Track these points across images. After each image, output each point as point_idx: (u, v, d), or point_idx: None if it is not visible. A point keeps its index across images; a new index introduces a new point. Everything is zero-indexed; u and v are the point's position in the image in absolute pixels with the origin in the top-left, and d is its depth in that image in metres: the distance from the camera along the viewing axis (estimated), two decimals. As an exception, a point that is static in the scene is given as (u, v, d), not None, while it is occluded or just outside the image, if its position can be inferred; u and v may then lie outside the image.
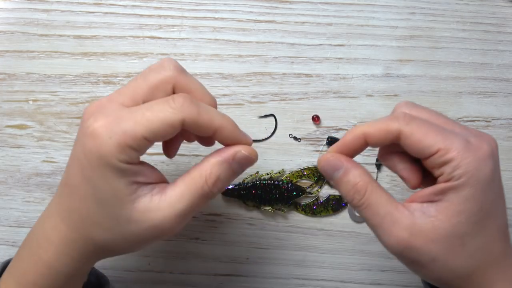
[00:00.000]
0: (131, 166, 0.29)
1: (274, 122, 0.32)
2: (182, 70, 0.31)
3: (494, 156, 0.30)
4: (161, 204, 0.30)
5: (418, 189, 0.31)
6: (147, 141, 0.28)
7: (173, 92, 0.31)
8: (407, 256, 0.30)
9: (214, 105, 0.32)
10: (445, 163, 0.29)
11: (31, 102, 0.46)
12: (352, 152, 0.32)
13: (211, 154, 0.32)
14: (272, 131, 0.32)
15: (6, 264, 0.35)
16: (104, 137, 0.28)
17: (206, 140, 0.35)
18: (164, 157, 0.36)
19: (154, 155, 0.44)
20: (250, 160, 0.32)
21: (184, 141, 0.36)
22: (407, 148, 0.30)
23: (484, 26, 0.46)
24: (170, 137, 0.29)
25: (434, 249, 0.29)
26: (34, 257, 0.32)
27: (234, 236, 0.45)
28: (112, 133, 0.27)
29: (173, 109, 0.28)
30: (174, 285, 0.45)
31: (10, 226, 0.45)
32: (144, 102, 0.30)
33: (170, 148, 0.36)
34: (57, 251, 0.31)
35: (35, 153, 0.45)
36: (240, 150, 0.31)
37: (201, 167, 0.31)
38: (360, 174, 0.30)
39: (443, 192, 0.29)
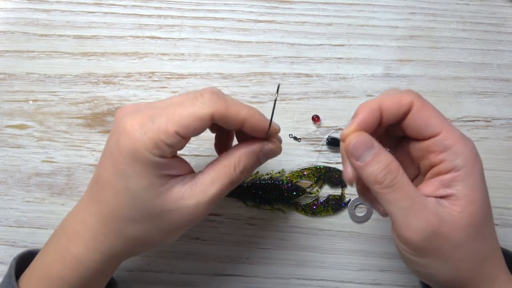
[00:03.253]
0: (165, 160, 0.30)
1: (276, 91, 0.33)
2: (224, 99, 0.31)
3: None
4: (193, 191, 0.31)
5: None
6: (180, 136, 0.29)
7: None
8: (431, 243, 0.29)
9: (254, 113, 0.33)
10: (446, 149, 0.29)
11: (31, 102, 0.46)
12: (370, 129, 0.31)
13: (240, 144, 0.34)
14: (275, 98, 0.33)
15: (22, 257, 0.36)
16: (138, 133, 0.29)
17: (241, 135, 0.36)
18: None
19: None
20: (276, 153, 0.34)
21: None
22: (412, 122, 0.30)
23: (484, 26, 0.46)
24: (202, 132, 0.31)
25: (458, 237, 0.29)
26: (61, 250, 0.33)
27: (234, 236, 0.45)
28: (146, 129, 0.29)
29: (203, 104, 0.30)
30: (174, 285, 0.45)
31: (10, 226, 0.45)
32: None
33: (221, 149, 0.37)
34: (87, 246, 0.32)
35: (35, 153, 0.45)
36: (268, 143, 0.34)
37: (231, 155, 0.33)
38: (391, 155, 0.30)
39: (450, 183, 0.30)
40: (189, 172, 0.33)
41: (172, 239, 0.34)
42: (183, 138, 0.30)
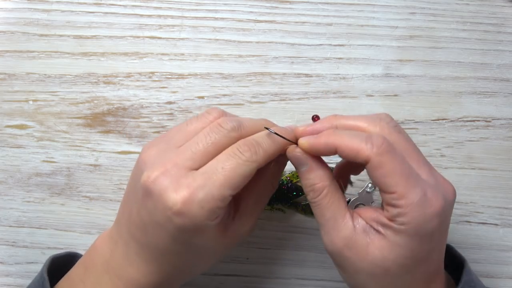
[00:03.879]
0: (220, 215, 0.31)
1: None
2: (241, 124, 0.32)
3: (444, 212, 0.30)
4: (244, 220, 0.34)
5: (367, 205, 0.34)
6: (232, 196, 0.30)
7: None
8: (336, 260, 0.33)
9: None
10: (394, 206, 0.29)
11: (31, 102, 0.46)
12: (320, 155, 0.33)
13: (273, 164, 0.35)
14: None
15: (57, 259, 0.37)
16: (195, 210, 0.29)
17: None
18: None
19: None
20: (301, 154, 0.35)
21: None
22: (368, 173, 0.30)
23: (484, 26, 0.46)
24: None
25: (360, 266, 0.31)
26: None
27: (234, 236, 0.45)
28: (202, 203, 0.29)
29: (246, 161, 0.30)
30: (174, 285, 0.45)
31: (10, 226, 0.45)
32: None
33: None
34: None
35: (35, 153, 0.45)
36: (294, 149, 0.34)
37: (266, 174, 0.35)
38: (321, 176, 0.32)
39: (384, 226, 0.30)
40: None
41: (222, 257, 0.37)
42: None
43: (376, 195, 0.45)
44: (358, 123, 0.32)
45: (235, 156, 0.30)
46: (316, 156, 0.33)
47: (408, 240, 0.29)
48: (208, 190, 0.29)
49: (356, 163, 0.30)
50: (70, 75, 0.46)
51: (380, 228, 0.30)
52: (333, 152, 0.31)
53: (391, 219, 0.30)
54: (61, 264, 0.37)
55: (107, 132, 0.45)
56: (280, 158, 0.34)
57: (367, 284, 0.31)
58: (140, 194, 0.31)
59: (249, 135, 0.32)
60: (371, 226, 0.31)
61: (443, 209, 0.30)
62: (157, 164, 0.30)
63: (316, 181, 0.32)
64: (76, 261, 0.36)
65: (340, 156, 0.31)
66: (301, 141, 0.32)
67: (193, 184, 0.29)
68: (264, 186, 0.35)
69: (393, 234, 0.30)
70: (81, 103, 0.46)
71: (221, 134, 0.31)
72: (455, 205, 0.33)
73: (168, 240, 0.31)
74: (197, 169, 0.30)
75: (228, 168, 0.30)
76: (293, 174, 0.45)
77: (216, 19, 0.46)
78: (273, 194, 0.43)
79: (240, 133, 0.32)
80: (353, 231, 0.31)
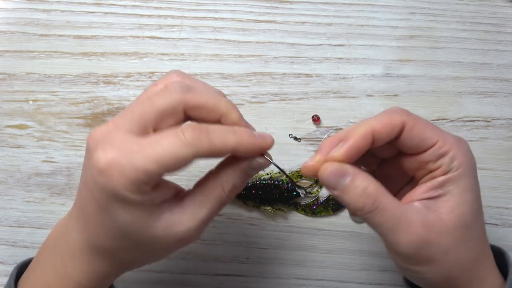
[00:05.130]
0: (146, 195, 0.28)
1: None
2: (188, 88, 0.30)
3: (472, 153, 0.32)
4: (182, 218, 0.30)
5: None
6: (160, 175, 0.28)
7: (184, 112, 0.30)
8: (423, 254, 0.29)
9: (226, 104, 0.31)
10: (443, 155, 0.30)
11: (31, 102, 0.46)
12: (359, 154, 0.30)
13: (226, 162, 0.31)
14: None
15: (23, 266, 0.36)
16: (115, 173, 0.27)
17: None
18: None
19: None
20: (265, 166, 0.32)
21: None
22: (407, 141, 0.30)
23: (484, 26, 0.46)
24: (183, 169, 0.29)
25: (447, 241, 0.29)
26: (59, 272, 0.33)
27: (234, 236, 0.45)
28: (124, 169, 0.27)
29: (184, 144, 0.27)
30: (174, 285, 0.45)
31: (10, 226, 0.45)
32: (153, 128, 0.29)
33: None
34: (84, 270, 0.32)
35: (35, 153, 0.45)
36: (256, 158, 0.31)
37: (218, 176, 0.31)
38: (366, 177, 0.29)
39: (442, 185, 0.30)
40: (176, 193, 0.31)
41: (165, 257, 0.34)
42: (162, 175, 0.28)
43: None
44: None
45: (175, 135, 0.27)
46: (351, 164, 0.30)
47: (470, 181, 0.30)
48: (134, 159, 0.27)
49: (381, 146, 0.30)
50: (70, 75, 0.46)
51: (440, 191, 0.30)
52: (369, 142, 0.29)
53: (446, 170, 0.30)
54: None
55: (107, 132, 0.45)
56: (239, 163, 0.31)
57: (457, 259, 0.30)
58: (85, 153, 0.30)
59: (196, 103, 0.29)
60: (427, 199, 0.30)
61: (470, 149, 0.31)
62: (105, 123, 0.29)
63: (365, 183, 0.29)
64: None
65: (376, 142, 0.30)
66: (333, 153, 0.30)
67: (122, 148, 0.27)
68: (213, 190, 0.31)
69: (455, 185, 0.29)
70: (81, 103, 0.46)
71: (164, 96, 0.29)
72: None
73: (93, 204, 0.29)
74: (137, 133, 0.28)
75: (164, 144, 0.27)
76: (293, 174, 0.45)
77: (216, 19, 0.46)
78: (273, 195, 0.44)
79: (184, 96, 0.29)
80: (422, 213, 0.29)
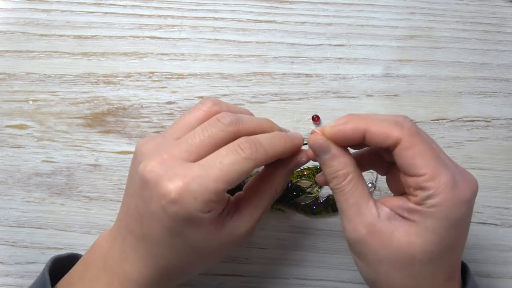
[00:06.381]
0: (215, 210, 0.31)
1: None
2: (238, 120, 0.33)
3: (471, 201, 0.30)
4: (242, 221, 0.34)
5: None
6: (226, 190, 0.30)
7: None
8: (357, 249, 0.32)
9: (268, 128, 0.35)
10: (423, 189, 0.29)
11: (31, 102, 0.46)
12: (345, 143, 0.32)
13: (278, 166, 0.36)
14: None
15: (57, 260, 0.37)
16: (187, 199, 0.29)
17: None
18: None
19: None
20: (305, 162, 0.36)
21: None
22: (397, 157, 0.30)
23: (484, 26, 0.46)
24: None
25: (383, 254, 0.30)
26: None
27: (234, 236, 0.45)
28: (195, 194, 0.29)
29: (244, 159, 0.30)
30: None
31: (10, 226, 0.45)
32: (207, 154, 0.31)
33: None
34: None
35: (35, 153, 0.45)
36: (302, 158, 0.35)
37: (269, 178, 0.35)
38: (345, 162, 0.32)
39: (411, 211, 0.30)
40: (229, 200, 0.34)
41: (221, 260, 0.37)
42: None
43: (376, 195, 0.45)
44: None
45: (234, 152, 0.30)
46: (337, 145, 0.32)
47: (438, 224, 0.29)
48: (203, 182, 0.29)
49: (375, 151, 0.31)
50: (70, 75, 0.46)
51: (407, 214, 0.30)
52: (360, 138, 0.31)
53: (420, 203, 0.29)
54: (63, 265, 0.37)
55: (107, 132, 0.46)
56: (287, 165, 0.35)
57: (389, 274, 0.31)
58: (138, 185, 0.31)
59: (247, 131, 0.33)
60: (396, 213, 0.30)
61: (470, 197, 0.30)
62: (154, 154, 0.31)
63: (340, 167, 0.32)
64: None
65: (367, 141, 0.31)
66: (326, 128, 0.32)
67: (189, 175, 0.29)
68: (267, 191, 0.35)
69: (421, 218, 0.29)
70: (81, 103, 0.46)
71: (218, 128, 0.32)
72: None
73: (163, 231, 0.30)
74: (193, 161, 0.30)
75: (226, 163, 0.30)
76: (293, 174, 0.44)
77: (216, 19, 0.46)
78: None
79: (237, 127, 0.32)
80: (377, 218, 0.30)
